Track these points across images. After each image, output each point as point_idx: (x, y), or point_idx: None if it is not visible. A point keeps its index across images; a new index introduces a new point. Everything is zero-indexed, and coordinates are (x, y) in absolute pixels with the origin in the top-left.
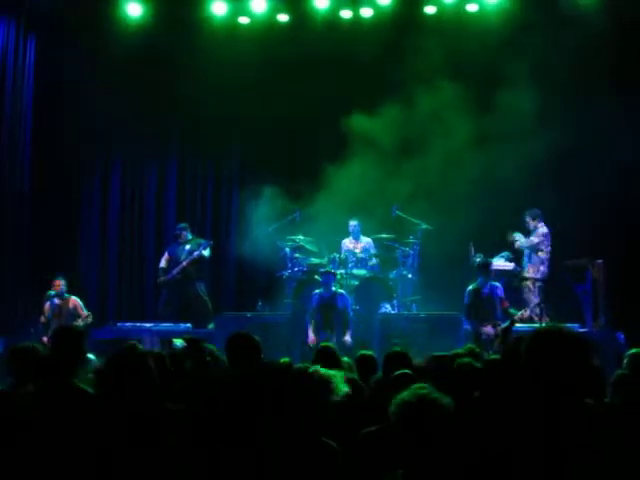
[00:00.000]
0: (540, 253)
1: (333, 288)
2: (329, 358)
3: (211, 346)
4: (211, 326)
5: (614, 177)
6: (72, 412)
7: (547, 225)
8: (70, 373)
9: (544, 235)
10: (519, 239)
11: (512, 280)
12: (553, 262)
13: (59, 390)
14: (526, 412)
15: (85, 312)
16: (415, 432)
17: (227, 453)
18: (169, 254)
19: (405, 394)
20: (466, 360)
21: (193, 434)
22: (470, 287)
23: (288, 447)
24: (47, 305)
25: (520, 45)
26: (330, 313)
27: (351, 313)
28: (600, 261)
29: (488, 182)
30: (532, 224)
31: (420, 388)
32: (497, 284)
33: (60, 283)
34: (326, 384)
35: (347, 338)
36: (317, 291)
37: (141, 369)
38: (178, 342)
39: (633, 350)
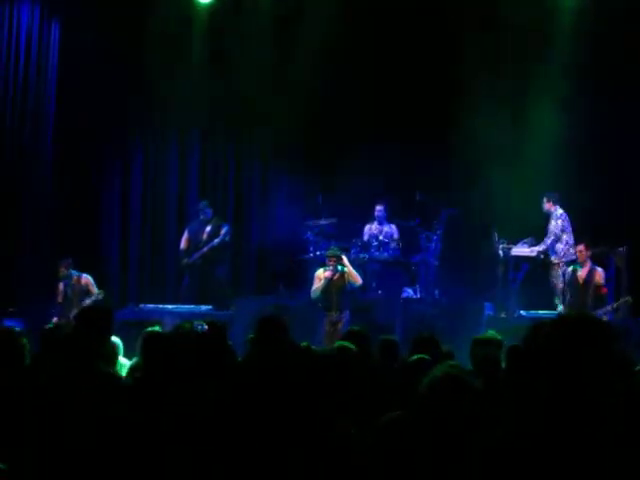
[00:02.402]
0: (564, 236)
1: (339, 268)
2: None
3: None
4: (232, 309)
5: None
6: (96, 396)
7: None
8: (94, 355)
9: (562, 217)
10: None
11: (536, 266)
12: None
13: (83, 373)
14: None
15: (96, 290)
16: (446, 410)
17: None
18: (189, 233)
19: (437, 372)
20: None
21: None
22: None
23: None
24: (61, 286)
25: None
26: (337, 292)
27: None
28: (622, 248)
29: (515, 167)
30: (547, 207)
31: (452, 367)
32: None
33: (65, 266)
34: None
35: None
36: (320, 270)
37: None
38: (199, 324)
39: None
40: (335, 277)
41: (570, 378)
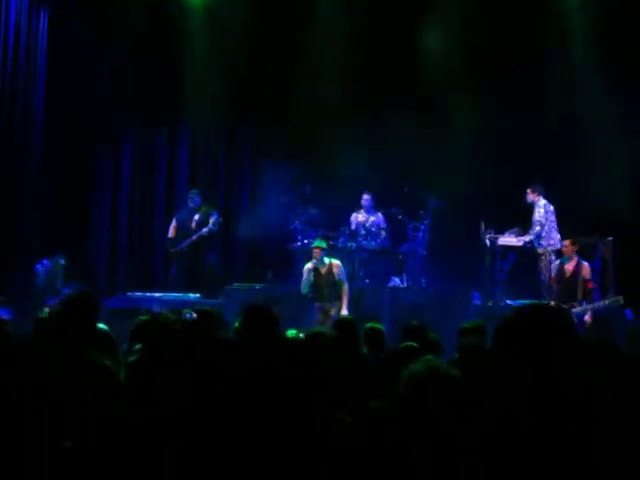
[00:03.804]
0: (547, 226)
1: (326, 260)
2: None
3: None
4: (221, 297)
5: (629, 154)
6: (83, 381)
7: (547, 199)
8: (80, 340)
9: (545, 207)
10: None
11: (523, 256)
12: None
13: (69, 357)
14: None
15: None
16: (425, 403)
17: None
18: (177, 222)
19: (416, 366)
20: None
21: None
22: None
23: (301, 419)
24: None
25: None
26: (327, 284)
27: (347, 284)
28: (610, 239)
29: (500, 157)
30: (531, 197)
31: (429, 360)
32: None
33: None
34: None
35: (344, 311)
36: (309, 264)
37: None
38: (188, 313)
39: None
40: (323, 270)
41: (533, 368)
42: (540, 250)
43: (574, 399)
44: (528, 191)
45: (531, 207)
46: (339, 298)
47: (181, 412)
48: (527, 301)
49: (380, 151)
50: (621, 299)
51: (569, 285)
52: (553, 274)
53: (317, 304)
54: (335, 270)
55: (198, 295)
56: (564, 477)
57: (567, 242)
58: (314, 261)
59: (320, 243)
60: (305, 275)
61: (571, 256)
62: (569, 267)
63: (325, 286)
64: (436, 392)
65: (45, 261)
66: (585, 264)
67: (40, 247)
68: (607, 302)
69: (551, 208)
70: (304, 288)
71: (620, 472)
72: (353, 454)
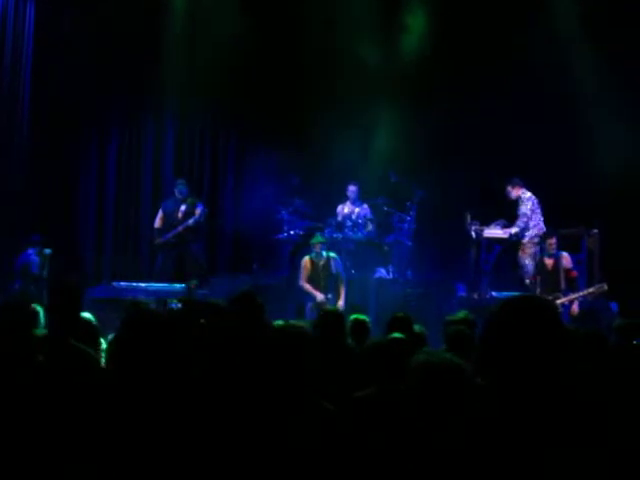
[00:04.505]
0: (534, 217)
1: (324, 253)
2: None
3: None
4: (206, 288)
5: (613, 148)
6: (71, 370)
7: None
8: (67, 330)
9: (530, 199)
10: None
11: (508, 248)
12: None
13: (56, 347)
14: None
15: None
16: (439, 396)
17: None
18: (163, 211)
19: (427, 358)
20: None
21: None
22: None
23: (289, 410)
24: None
25: None
26: (325, 277)
27: (344, 276)
28: (596, 231)
29: (486, 148)
30: (514, 193)
31: (438, 353)
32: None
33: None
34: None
35: (341, 303)
36: (307, 257)
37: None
38: (174, 303)
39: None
40: (321, 263)
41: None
42: (525, 241)
43: (562, 391)
44: (508, 188)
45: (517, 201)
46: (335, 290)
47: (161, 398)
48: (512, 293)
49: (366, 142)
50: (605, 286)
51: (551, 277)
52: (536, 270)
53: (312, 300)
54: (332, 263)
55: (184, 285)
56: (554, 471)
57: (552, 240)
58: (313, 254)
59: (319, 238)
60: (306, 272)
61: (552, 251)
62: (549, 260)
63: (322, 279)
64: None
65: (30, 250)
66: (564, 254)
67: (24, 236)
68: (591, 289)
69: (536, 200)
70: (304, 285)
71: (610, 466)
72: (337, 442)
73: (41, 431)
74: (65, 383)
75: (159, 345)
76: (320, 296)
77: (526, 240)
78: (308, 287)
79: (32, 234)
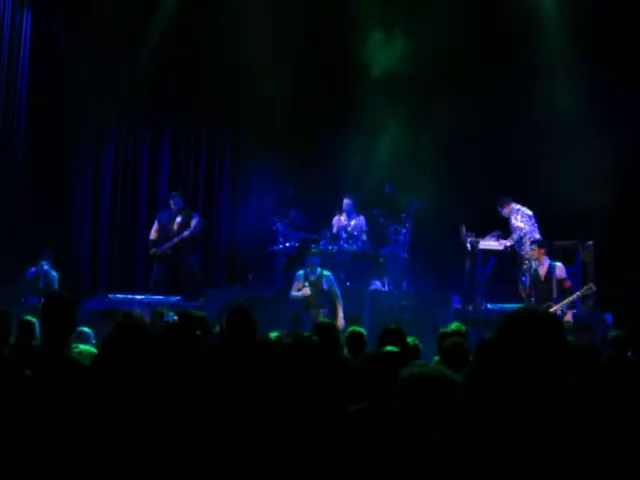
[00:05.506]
0: (529, 228)
1: (319, 269)
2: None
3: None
4: (202, 299)
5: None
6: (64, 382)
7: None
8: (61, 342)
9: (519, 212)
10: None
11: (503, 260)
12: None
13: (51, 359)
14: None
15: None
16: (428, 408)
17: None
18: (159, 223)
19: (417, 369)
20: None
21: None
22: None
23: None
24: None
25: None
26: (316, 293)
27: (339, 294)
28: (590, 243)
29: (481, 160)
30: (506, 211)
31: (428, 364)
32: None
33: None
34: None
35: (340, 323)
36: (301, 272)
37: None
38: (170, 315)
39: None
40: (313, 279)
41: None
42: (522, 253)
43: (558, 407)
44: (498, 208)
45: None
46: (326, 305)
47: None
48: (507, 305)
49: (363, 153)
50: (593, 286)
51: (545, 287)
52: (530, 281)
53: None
54: (324, 280)
55: (179, 297)
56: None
57: (534, 247)
58: (307, 269)
59: (316, 252)
60: (298, 285)
61: (542, 260)
62: (542, 271)
63: (313, 295)
64: (437, 396)
65: (45, 264)
66: (558, 264)
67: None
68: (580, 293)
69: (529, 212)
70: (295, 297)
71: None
72: (332, 455)
73: (25, 443)
74: (52, 397)
75: (144, 353)
76: (306, 291)
77: (523, 253)
78: (295, 293)
79: (43, 249)
